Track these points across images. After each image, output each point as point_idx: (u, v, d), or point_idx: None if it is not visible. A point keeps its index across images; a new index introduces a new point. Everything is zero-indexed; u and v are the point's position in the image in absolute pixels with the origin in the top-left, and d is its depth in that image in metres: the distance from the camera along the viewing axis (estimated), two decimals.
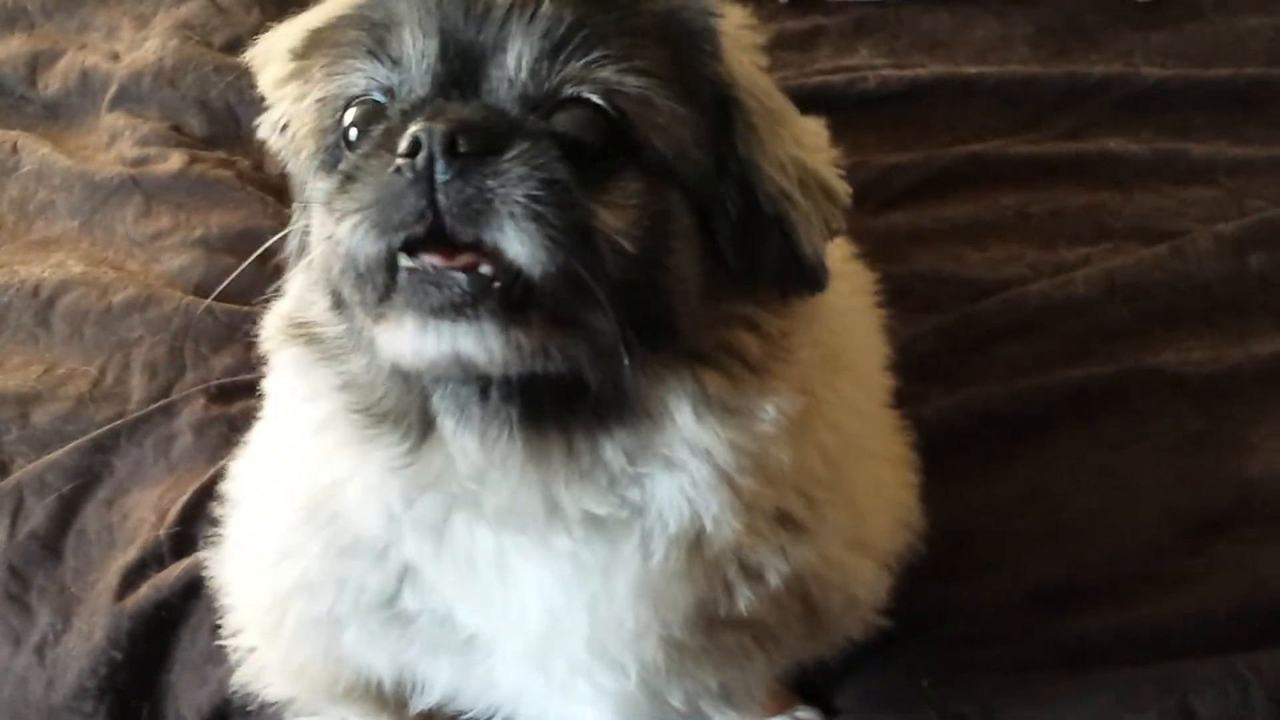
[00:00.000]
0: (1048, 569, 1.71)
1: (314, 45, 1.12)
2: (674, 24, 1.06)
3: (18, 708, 1.70)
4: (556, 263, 0.94)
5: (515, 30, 0.99)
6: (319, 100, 1.08)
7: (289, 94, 1.14)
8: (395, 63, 1.02)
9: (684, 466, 1.08)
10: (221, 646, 1.65)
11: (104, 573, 1.79)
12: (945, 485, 1.76)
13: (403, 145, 0.94)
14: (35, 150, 2.44)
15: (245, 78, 2.36)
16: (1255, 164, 2.30)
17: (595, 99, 0.99)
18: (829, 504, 1.19)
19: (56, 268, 2.22)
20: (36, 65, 2.62)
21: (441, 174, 0.93)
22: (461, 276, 0.93)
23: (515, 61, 0.99)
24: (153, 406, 1.98)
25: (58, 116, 2.57)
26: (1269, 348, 1.97)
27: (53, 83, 2.58)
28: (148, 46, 2.57)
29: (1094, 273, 2.09)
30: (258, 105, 2.25)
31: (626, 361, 1.01)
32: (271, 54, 2.03)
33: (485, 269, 0.94)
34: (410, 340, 0.97)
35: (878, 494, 1.31)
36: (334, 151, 1.06)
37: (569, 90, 0.99)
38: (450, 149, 0.93)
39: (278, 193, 2.31)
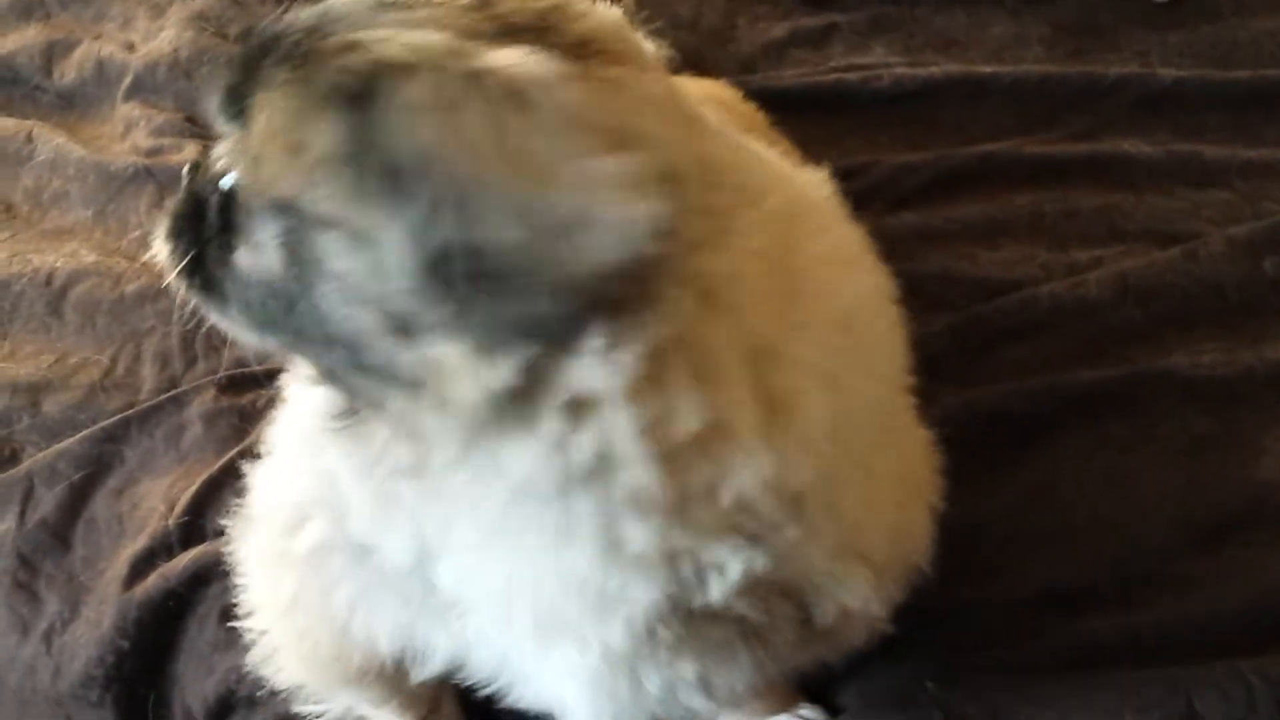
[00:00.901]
0: (1055, 571, 1.71)
1: None
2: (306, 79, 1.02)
3: (25, 695, 1.71)
4: (188, 287, 1.10)
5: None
6: None
7: None
8: None
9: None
10: (228, 636, 1.66)
11: (113, 562, 1.80)
12: (951, 484, 1.76)
13: None
14: (50, 140, 2.44)
15: None
16: (1270, 166, 2.29)
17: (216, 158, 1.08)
18: (788, 522, 1.10)
19: (69, 257, 2.23)
20: (52, 55, 2.63)
21: None
22: None
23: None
24: (163, 396, 1.99)
25: (73, 106, 2.57)
26: None
27: (68, 72, 2.59)
28: (163, 37, 2.57)
29: (1106, 274, 2.08)
30: None
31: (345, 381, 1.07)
32: None
33: None
34: None
35: (874, 510, 1.22)
36: None
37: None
38: None
39: None
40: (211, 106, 1.07)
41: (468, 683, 1.39)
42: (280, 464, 1.40)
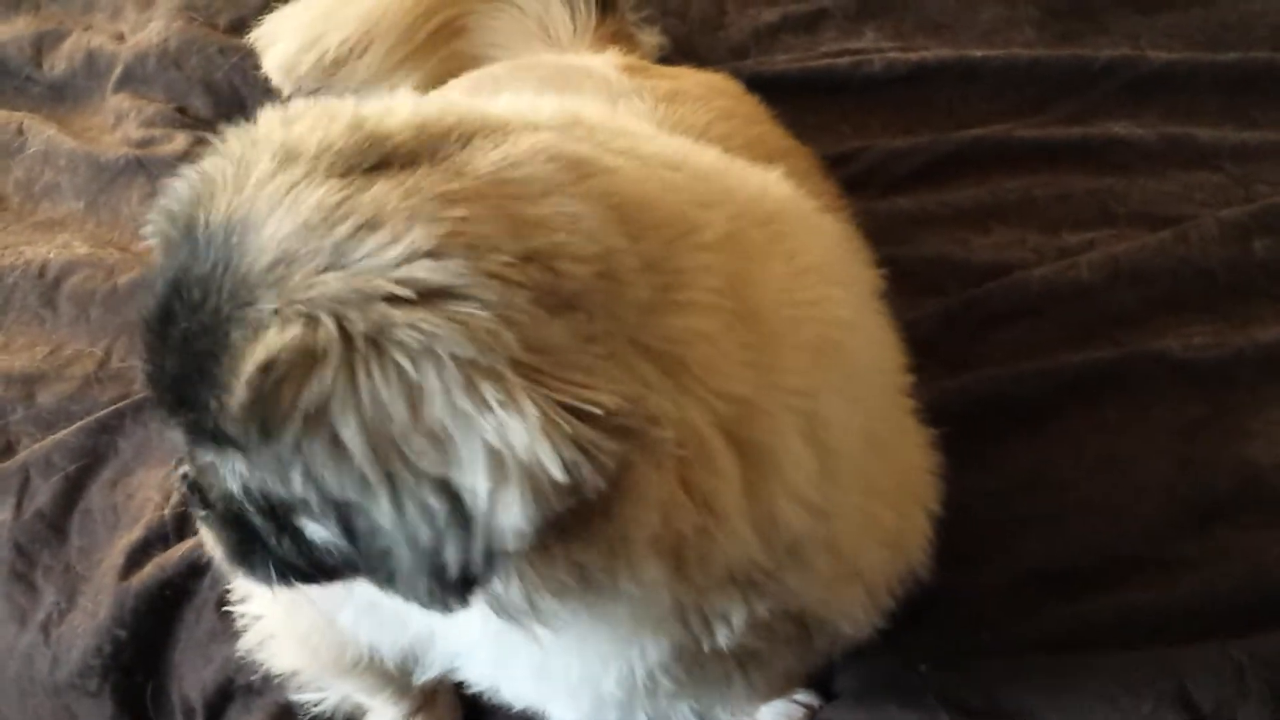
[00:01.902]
0: (1048, 553, 1.72)
1: None
2: None
3: (23, 685, 1.71)
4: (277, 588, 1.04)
5: None
6: None
7: None
8: None
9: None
10: (226, 625, 1.66)
11: (109, 552, 1.81)
12: (944, 469, 1.77)
13: None
14: (41, 132, 2.44)
15: (250, 59, 2.36)
16: (1262, 149, 2.29)
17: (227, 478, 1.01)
18: (789, 568, 1.10)
19: (62, 249, 2.23)
20: (42, 46, 2.62)
21: None
22: None
23: None
24: None
25: (63, 98, 2.57)
26: (1272, 334, 1.96)
27: (58, 64, 2.58)
28: (152, 27, 2.57)
29: (1098, 257, 2.08)
30: (262, 86, 2.28)
31: None
32: (276, 35, 2.03)
33: None
34: None
35: (868, 533, 1.19)
36: None
37: None
38: None
39: None
40: (179, 433, 0.99)
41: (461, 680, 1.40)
42: None
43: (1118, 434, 1.86)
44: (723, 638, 1.11)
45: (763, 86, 2.10)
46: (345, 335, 0.86)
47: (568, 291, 0.90)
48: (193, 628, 1.72)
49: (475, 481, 0.86)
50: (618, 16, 2.16)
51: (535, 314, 0.88)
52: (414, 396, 0.85)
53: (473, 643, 1.19)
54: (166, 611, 1.73)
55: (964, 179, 2.27)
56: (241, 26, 2.44)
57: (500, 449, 0.85)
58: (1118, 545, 1.72)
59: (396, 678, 1.47)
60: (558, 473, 0.86)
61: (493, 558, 0.89)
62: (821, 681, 1.63)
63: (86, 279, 2.15)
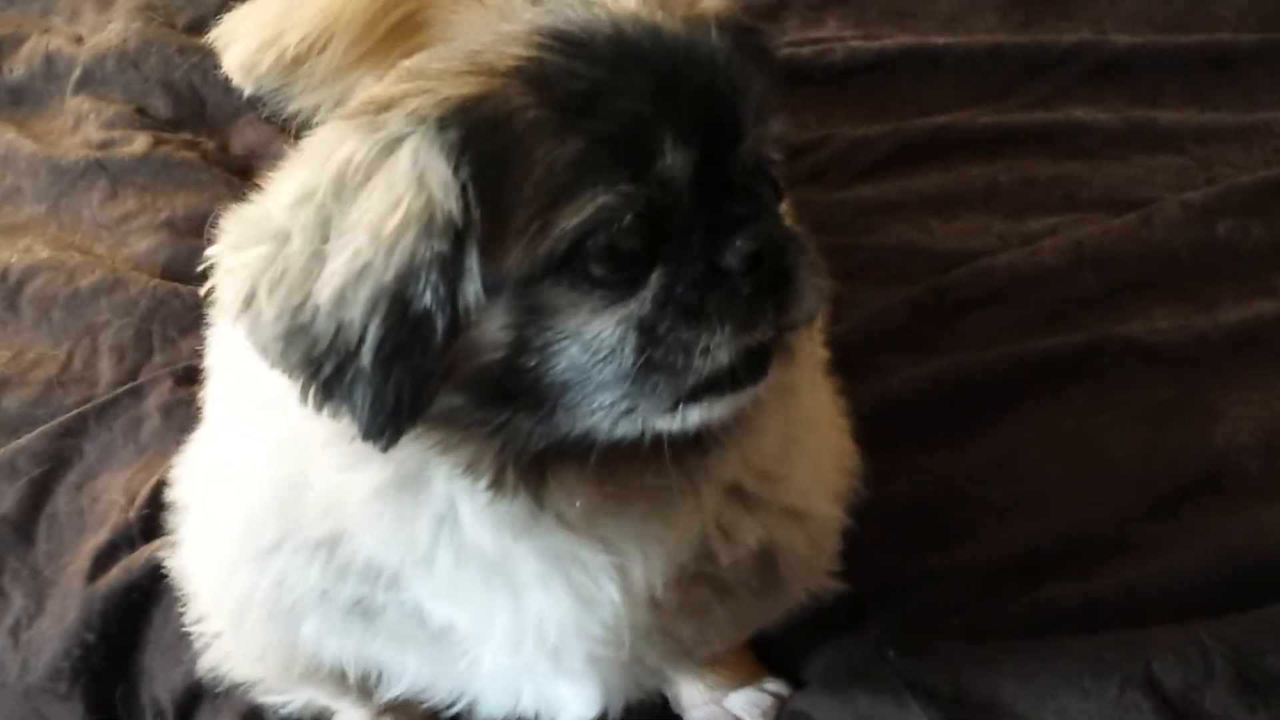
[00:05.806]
0: (1016, 539, 1.72)
1: (501, 161, 1.00)
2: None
3: None
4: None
5: (744, 114, 1.05)
6: (547, 227, 1.00)
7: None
8: (659, 183, 1.01)
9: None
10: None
11: (75, 555, 1.80)
12: (914, 456, 1.77)
13: (738, 263, 1.02)
14: (1, 136, 2.43)
15: (209, 58, 2.34)
16: (1223, 131, 2.30)
17: (778, 155, 1.10)
18: (781, 478, 1.24)
19: (24, 253, 2.22)
20: (0, 50, 2.61)
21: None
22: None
23: (749, 144, 1.06)
24: (121, 390, 1.98)
25: (22, 101, 2.55)
26: (1236, 315, 1.97)
27: (17, 67, 2.57)
28: (111, 29, 2.56)
29: (1062, 242, 2.09)
30: (222, 86, 2.27)
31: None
32: (236, 33, 2.01)
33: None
34: (697, 416, 1.06)
35: (823, 458, 1.35)
36: (563, 267, 1.01)
37: (766, 152, 1.09)
38: (773, 258, 1.04)
39: (242, 174, 2.30)
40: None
41: (428, 704, 1.41)
42: (217, 501, 1.34)
43: (1086, 418, 1.87)
44: (726, 555, 1.22)
45: None
46: None
47: None
48: (161, 630, 1.71)
49: None
50: None
51: None
52: None
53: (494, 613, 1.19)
54: (134, 614, 1.72)
55: (928, 166, 2.28)
56: (200, 26, 2.43)
57: None
58: (1086, 529, 1.73)
59: (355, 688, 1.46)
60: None
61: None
62: (791, 670, 1.63)
63: (48, 282, 2.14)
